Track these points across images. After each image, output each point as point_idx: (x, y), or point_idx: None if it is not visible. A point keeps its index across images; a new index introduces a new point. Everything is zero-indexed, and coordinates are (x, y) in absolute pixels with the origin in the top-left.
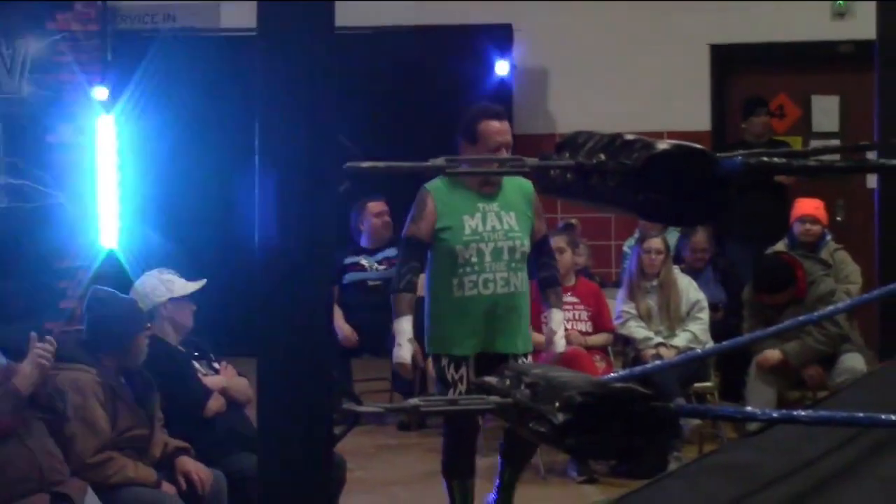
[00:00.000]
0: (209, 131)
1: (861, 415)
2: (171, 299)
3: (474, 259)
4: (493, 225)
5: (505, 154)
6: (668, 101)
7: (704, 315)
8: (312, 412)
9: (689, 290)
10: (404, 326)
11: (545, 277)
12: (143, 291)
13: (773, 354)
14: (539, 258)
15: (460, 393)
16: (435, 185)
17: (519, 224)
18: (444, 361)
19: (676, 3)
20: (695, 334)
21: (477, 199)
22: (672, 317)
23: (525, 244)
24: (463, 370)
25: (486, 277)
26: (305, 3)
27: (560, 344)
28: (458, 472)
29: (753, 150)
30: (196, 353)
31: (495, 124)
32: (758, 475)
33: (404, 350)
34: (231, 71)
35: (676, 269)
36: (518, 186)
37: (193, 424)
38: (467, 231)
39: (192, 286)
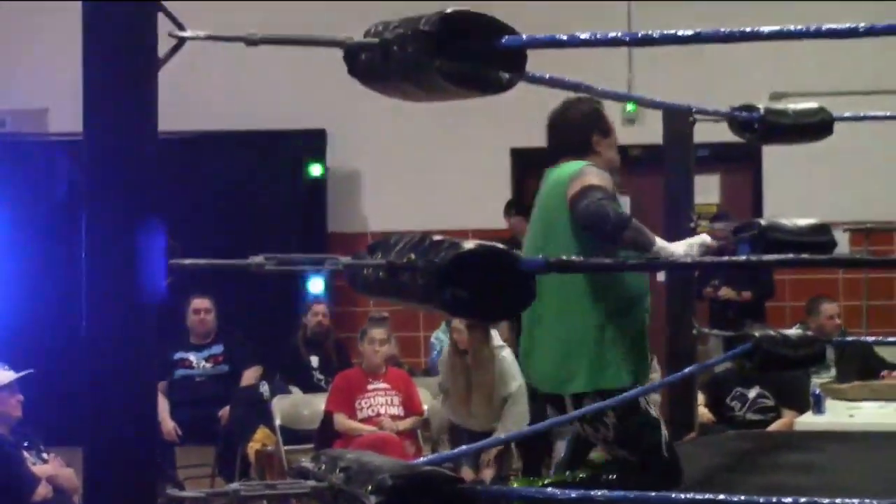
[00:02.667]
0: (39, 230)
1: (653, 494)
2: None
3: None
4: None
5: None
6: (473, 202)
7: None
8: (137, 499)
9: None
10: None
11: None
12: None
13: None
14: None
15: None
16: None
17: None
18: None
19: (480, 110)
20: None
21: None
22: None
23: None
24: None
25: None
26: (130, 109)
27: None
28: None
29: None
30: (26, 444)
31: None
32: None
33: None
34: (59, 173)
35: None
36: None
37: None
38: None
39: (12, 375)
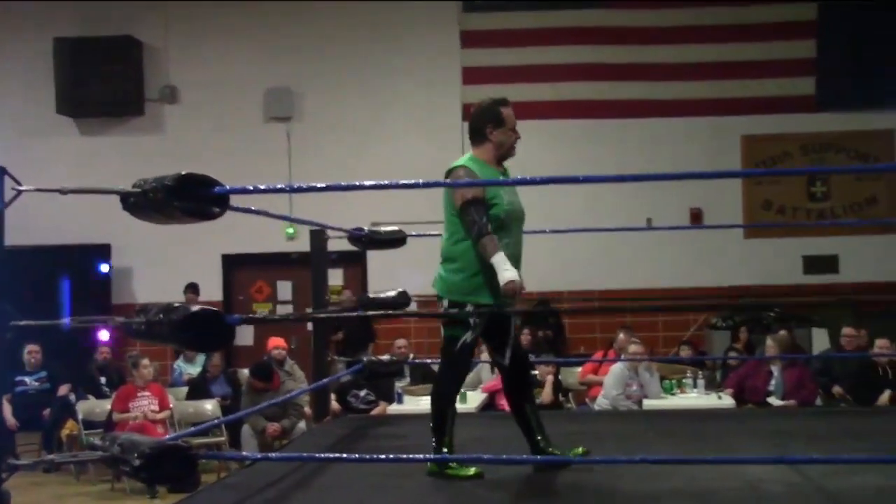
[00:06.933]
0: None
1: (304, 454)
2: None
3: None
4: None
5: (517, 133)
6: (204, 283)
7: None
8: None
9: None
10: (503, 257)
11: None
12: None
13: (275, 428)
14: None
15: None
16: (465, 163)
17: None
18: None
19: (203, 228)
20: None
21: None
22: None
23: None
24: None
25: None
26: None
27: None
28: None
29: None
30: None
31: (509, 110)
32: (257, 489)
33: (511, 272)
34: None
35: None
36: None
37: None
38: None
39: None
